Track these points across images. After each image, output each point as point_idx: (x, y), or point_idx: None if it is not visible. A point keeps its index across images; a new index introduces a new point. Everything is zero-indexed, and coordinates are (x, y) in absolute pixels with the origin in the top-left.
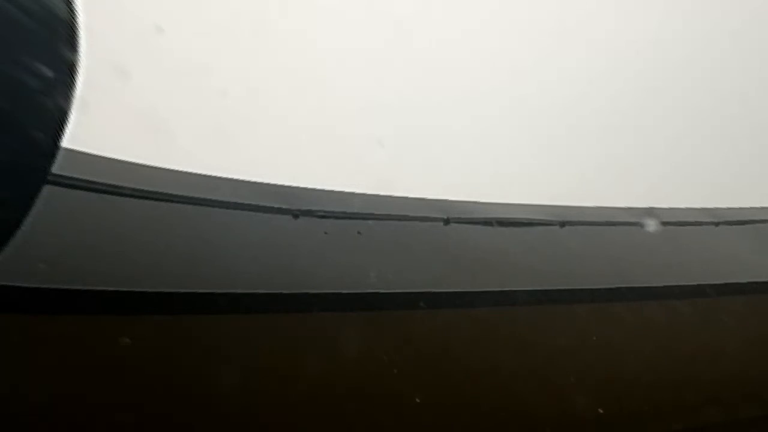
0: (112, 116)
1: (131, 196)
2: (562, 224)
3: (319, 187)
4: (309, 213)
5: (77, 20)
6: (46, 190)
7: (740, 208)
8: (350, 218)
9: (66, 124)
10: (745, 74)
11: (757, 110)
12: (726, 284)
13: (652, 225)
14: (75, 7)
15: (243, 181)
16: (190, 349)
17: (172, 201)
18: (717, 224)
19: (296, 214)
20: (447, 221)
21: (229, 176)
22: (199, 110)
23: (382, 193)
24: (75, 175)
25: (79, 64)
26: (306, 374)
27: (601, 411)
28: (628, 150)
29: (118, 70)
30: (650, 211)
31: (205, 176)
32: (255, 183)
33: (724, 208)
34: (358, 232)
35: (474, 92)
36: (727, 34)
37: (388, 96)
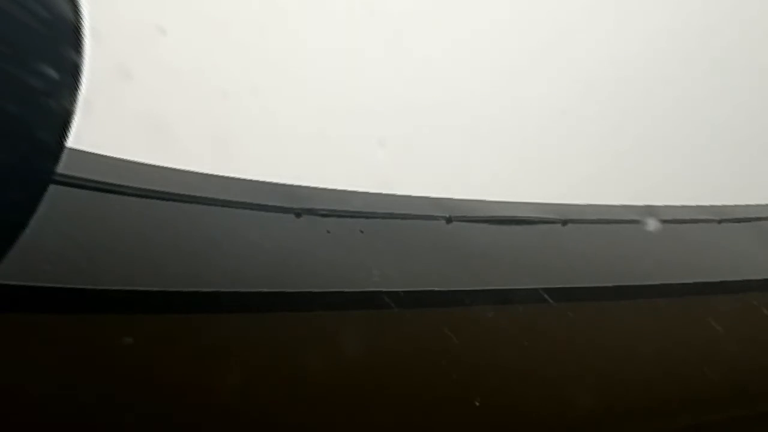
0: (116, 116)
1: (134, 195)
2: (565, 222)
3: (321, 186)
4: (311, 212)
5: (83, 22)
6: (51, 190)
7: (743, 206)
8: (352, 217)
9: (71, 124)
10: (748, 71)
11: (760, 107)
12: (729, 282)
13: (654, 223)
14: (81, 9)
15: (245, 180)
16: (192, 348)
17: (174, 200)
18: (720, 222)
19: (298, 213)
20: (449, 220)
21: (231, 175)
22: (201, 110)
23: (384, 191)
24: (79, 175)
25: (84, 66)
26: (308, 373)
27: (604, 409)
28: (629, 148)
29: (122, 71)
30: (653, 209)
31: (207, 175)
32: (257, 182)
33: (726, 206)
34: (361, 231)
35: (475, 91)
36: (727, 32)
37: (388, 95)
